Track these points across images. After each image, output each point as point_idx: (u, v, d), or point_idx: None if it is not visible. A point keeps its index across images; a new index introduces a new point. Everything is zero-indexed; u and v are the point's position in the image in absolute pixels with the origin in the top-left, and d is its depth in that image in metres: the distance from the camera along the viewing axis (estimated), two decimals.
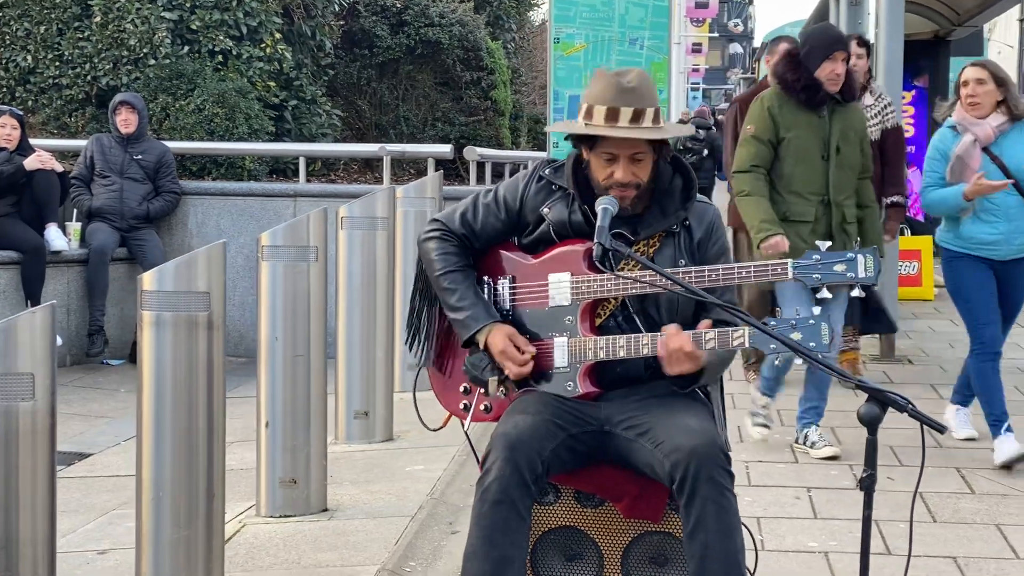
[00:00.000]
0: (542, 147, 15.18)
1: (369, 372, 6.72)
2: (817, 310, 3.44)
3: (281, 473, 5.41)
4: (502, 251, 3.83)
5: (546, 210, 3.74)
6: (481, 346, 3.70)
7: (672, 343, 3.47)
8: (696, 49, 44.21)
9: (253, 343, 5.70)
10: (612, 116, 3.57)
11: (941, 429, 3.24)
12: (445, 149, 11.22)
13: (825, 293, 3.59)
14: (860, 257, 3.53)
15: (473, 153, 11.52)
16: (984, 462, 6.41)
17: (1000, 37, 28.63)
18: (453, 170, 13.80)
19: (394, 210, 7.14)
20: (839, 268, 3.54)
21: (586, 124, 3.62)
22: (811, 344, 3.40)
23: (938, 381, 8.40)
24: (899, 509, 5.53)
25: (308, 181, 11.60)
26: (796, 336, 3.41)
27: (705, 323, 3.52)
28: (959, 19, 13.76)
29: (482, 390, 3.76)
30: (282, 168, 12.69)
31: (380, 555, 4.92)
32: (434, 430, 4.01)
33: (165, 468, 4.04)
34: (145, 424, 4.05)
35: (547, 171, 3.81)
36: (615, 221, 3.61)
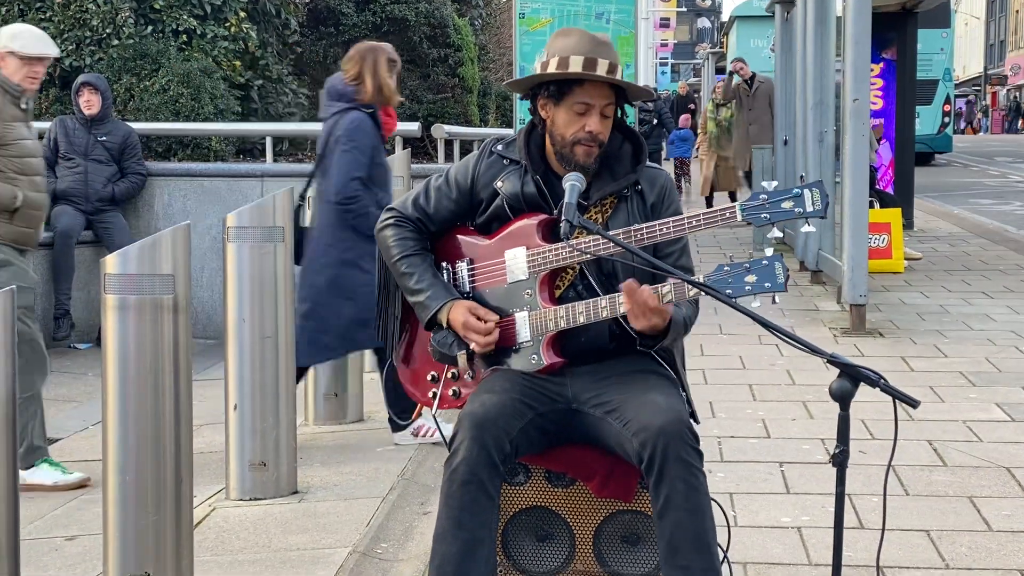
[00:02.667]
0: (511, 124, 15.13)
1: None
2: (769, 251, 3.42)
3: (250, 456, 5.37)
4: (458, 235, 3.82)
5: (500, 183, 3.73)
6: (444, 325, 3.68)
7: (636, 298, 3.43)
8: (664, 24, 44.22)
9: (222, 324, 5.65)
10: (590, 66, 3.56)
11: (914, 403, 3.21)
12: (413, 127, 11.17)
13: (776, 232, 3.57)
14: (807, 192, 3.50)
15: (441, 131, 11.46)
16: (956, 434, 6.42)
17: (967, 8, 28.66)
18: (421, 148, 13.73)
19: None
20: (787, 205, 3.50)
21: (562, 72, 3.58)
22: (767, 284, 3.37)
23: (909, 354, 8.41)
24: (872, 483, 5.53)
25: (275, 161, 11.52)
26: (751, 278, 3.38)
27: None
28: None
29: (450, 374, 3.73)
30: (249, 148, 12.59)
31: (351, 537, 4.89)
32: (404, 424, 3.98)
33: (131, 453, 3.98)
34: (110, 409, 4.00)
35: (498, 147, 3.81)
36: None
